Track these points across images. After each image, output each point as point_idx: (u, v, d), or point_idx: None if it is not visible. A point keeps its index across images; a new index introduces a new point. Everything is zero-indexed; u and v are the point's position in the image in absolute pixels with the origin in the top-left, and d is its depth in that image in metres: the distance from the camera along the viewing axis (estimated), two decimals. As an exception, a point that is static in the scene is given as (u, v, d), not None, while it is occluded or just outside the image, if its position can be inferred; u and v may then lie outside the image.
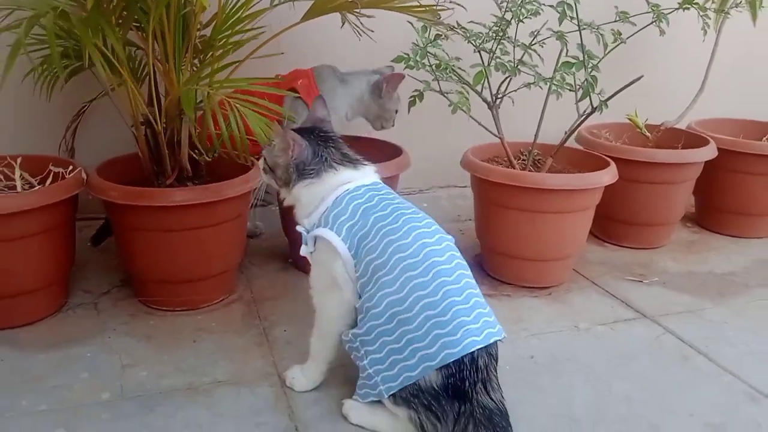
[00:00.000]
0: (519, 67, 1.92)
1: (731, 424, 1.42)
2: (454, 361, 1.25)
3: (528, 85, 1.91)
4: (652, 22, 2.00)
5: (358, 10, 1.82)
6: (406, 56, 1.85)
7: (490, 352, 1.29)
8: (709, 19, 2.15)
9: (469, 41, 1.94)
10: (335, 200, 1.41)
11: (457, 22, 1.95)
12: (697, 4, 1.99)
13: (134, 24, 1.65)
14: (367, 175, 1.47)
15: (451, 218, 2.52)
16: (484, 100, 1.99)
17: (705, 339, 1.75)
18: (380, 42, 1.98)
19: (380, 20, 1.90)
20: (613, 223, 2.33)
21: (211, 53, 1.73)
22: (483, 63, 1.91)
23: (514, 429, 1.27)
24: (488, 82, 1.94)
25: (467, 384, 1.26)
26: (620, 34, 1.97)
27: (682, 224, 2.55)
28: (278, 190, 1.53)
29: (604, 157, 2.07)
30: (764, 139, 2.56)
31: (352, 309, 1.41)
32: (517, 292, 1.99)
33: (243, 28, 1.75)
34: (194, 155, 1.82)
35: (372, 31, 1.93)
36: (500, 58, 1.93)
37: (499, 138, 2.03)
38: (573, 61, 1.89)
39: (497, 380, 1.30)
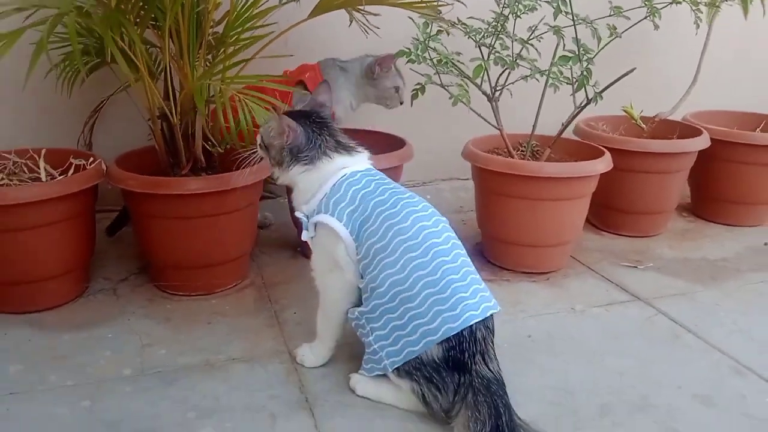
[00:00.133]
0: (517, 61, 2.00)
1: (717, 396, 1.50)
2: (454, 335, 1.34)
3: (525, 77, 2.00)
4: (645, 17, 2.08)
5: (362, 7, 1.90)
6: (407, 51, 1.94)
7: (487, 325, 1.38)
8: (701, 13, 2.23)
9: (468, 36, 2.03)
10: (333, 186, 1.48)
11: (457, 18, 2.04)
12: (688, -2, 2.07)
13: (151, 22, 1.74)
14: (361, 161, 1.54)
15: (454, 209, 2.60)
16: (484, 93, 2.07)
17: (696, 319, 1.83)
18: (383, 37, 2.07)
19: (383, 16, 1.99)
20: (610, 212, 2.41)
21: (223, 50, 1.82)
22: (482, 57, 2.00)
23: (512, 400, 1.35)
24: (488, 75, 2.02)
25: (466, 356, 1.34)
26: (615, 28, 2.05)
27: (677, 213, 2.63)
28: (271, 168, 1.59)
29: (599, 147, 2.15)
30: (758, 129, 2.63)
31: (354, 289, 1.50)
32: (516, 277, 2.08)
33: (253, 25, 1.84)
34: (207, 147, 1.91)
35: (377, 28, 2.01)
36: (499, 53, 2.01)
37: (499, 129, 2.12)
38: (569, 55, 1.97)
39: (494, 352, 1.39)
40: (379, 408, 1.43)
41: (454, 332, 1.33)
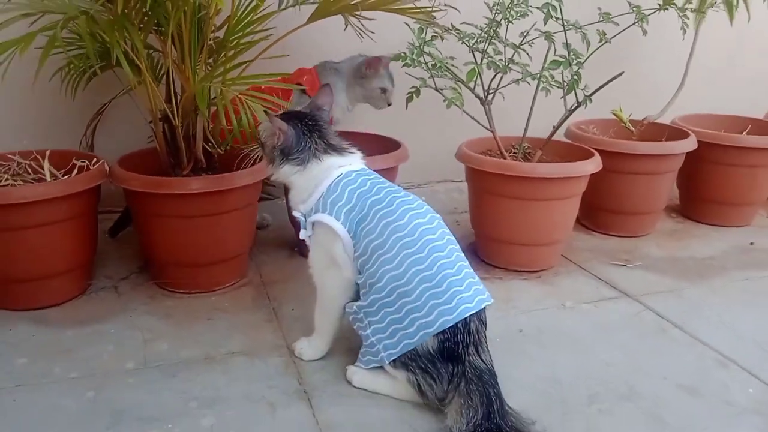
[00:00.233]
0: (509, 65, 2.06)
1: (701, 386, 1.56)
2: (449, 327, 1.39)
3: (517, 81, 2.06)
4: (634, 23, 2.15)
5: (358, 13, 1.96)
6: (403, 55, 2.00)
7: (480, 318, 1.44)
8: (688, 19, 2.29)
9: (462, 41, 2.09)
10: (330, 186, 1.53)
11: (451, 23, 2.10)
12: (674, 4, 2.14)
13: (153, 27, 1.79)
14: (354, 161, 1.59)
15: (448, 210, 2.66)
16: (477, 96, 2.13)
17: (682, 314, 1.89)
18: (380, 42, 2.13)
19: (379, 22, 2.05)
20: (600, 212, 2.47)
21: (223, 53, 1.88)
22: (476, 61, 2.06)
23: (504, 389, 1.40)
24: (481, 79, 2.08)
25: (460, 347, 1.40)
26: (605, 34, 2.12)
27: (666, 214, 2.69)
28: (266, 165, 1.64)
29: (589, 149, 2.21)
30: (744, 132, 2.70)
31: (351, 285, 1.55)
32: (508, 275, 2.13)
33: (253, 30, 1.90)
34: (208, 148, 1.96)
35: (372, 33, 2.07)
36: (492, 57, 2.07)
37: (491, 132, 2.18)
38: (560, 59, 2.04)
39: (486, 343, 1.44)
40: (374, 398, 1.48)
41: (450, 324, 1.39)
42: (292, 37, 1.96)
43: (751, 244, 2.46)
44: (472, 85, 2.07)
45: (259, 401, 1.46)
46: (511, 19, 2.05)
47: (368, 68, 2.22)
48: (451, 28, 2.09)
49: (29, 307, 1.83)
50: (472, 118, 2.13)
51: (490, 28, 2.06)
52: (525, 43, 2.09)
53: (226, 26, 1.89)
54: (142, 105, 1.93)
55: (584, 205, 2.39)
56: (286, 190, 1.93)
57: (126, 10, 1.60)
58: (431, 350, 1.41)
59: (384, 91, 2.26)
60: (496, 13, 2.06)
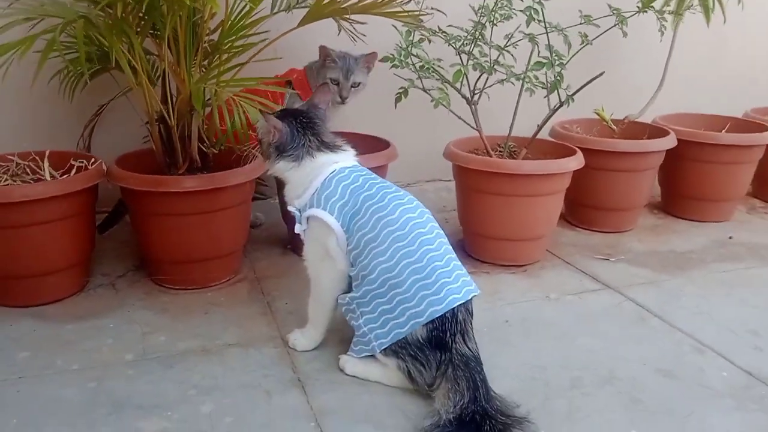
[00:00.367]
0: (494, 66, 2.14)
1: (678, 370, 1.63)
2: (438, 317, 1.46)
3: (502, 81, 2.13)
4: (614, 25, 2.23)
5: (348, 16, 2.03)
6: (391, 57, 2.06)
7: (467, 308, 1.50)
8: (666, 21, 2.38)
9: (449, 43, 2.16)
10: (324, 182, 1.60)
11: (438, 26, 2.17)
12: (652, 7, 2.22)
13: (150, 31, 1.85)
14: (347, 157, 1.65)
15: (437, 209, 2.72)
16: (463, 97, 2.20)
17: (661, 304, 1.97)
18: (369, 44, 2.20)
19: (368, 25, 2.12)
20: (584, 208, 2.55)
21: (218, 56, 1.94)
22: (462, 63, 2.13)
23: (490, 376, 1.47)
24: (467, 80, 2.15)
25: (448, 335, 1.47)
26: (586, 36, 2.19)
27: (648, 210, 2.77)
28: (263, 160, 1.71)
29: (572, 147, 2.29)
30: (723, 131, 2.78)
31: (344, 277, 1.61)
32: (495, 269, 2.20)
33: (246, 33, 1.96)
34: (203, 148, 2.02)
35: (364, 35, 2.14)
36: (477, 59, 2.14)
37: (477, 131, 2.25)
38: (543, 61, 2.11)
39: (473, 332, 1.51)
40: (366, 385, 1.55)
41: (439, 314, 1.46)
42: (285, 40, 2.02)
43: (730, 238, 2.54)
44: (458, 85, 2.14)
45: (255, 389, 1.52)
46: (495, 22, 2.12)
47: (320, 56, 2.26)
48: (437, 30, 2.17)
49: (29, 304, 1.87)
50: (459, 117, 2.20)
51: (476, 30, 2.13)
52: (509, 45, 2.16)
53: (220, 29, 1.95)
54: (138, 106, 1.99)
55: (568, 202, 2.48)
56: (280, 188, 2.00)
57: (124, 14, 1.65)
58: (420, 338, 1.48)
59: (335, 82, 2.26)
60: (481, 16, 2.14)
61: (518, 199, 2.12)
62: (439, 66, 2.14)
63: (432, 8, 2.12)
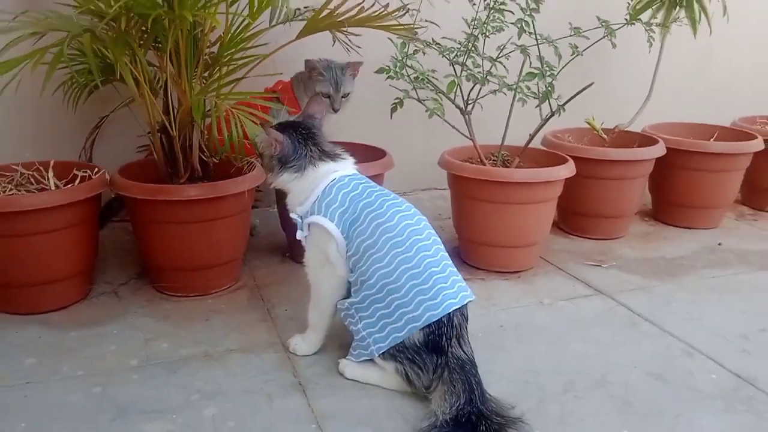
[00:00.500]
0: (487, 77, 2.19)
1: (668, 373, 1.68)
2: (434, 321, 1.50)
3: (494, 92, 2.18)
4: (603, 37, 2.29)
5: (345, 29, 2.09)
6: (387, 68, 2.12)
7: (463, 312, 1.55)
8: (654, 33, 2.44)
9: (442, 55, 2.21)
10: (324, 190, 1.64)
11: (432, 38, 2.23)
12: (640, 20, 2.28)
13: (152, 44, 1.90)
14: (347, 166, 1.70)
15: (432, 216, 2.75)
16: (457, 107, 2.26)
17: (652, 309, 2.02)
18: (365, 56, 2.25)
19: (364, 37, 2.17)
20: (576, 216, 2.61)
21: (217, 68, 1.98)
22: (455, 74, 2.18)
23: (485, 379, 1.52)
24: (460, 90, 2.21)
25: (444, 339, 1.51)
26: (576, 47, 2.25)
27: (639, 218, 2.83)
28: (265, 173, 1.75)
29: (564, 155, 2.34)
30: (712, 139, 2.85)
31: (344, 283, 1.66)
32: (489, 276, 2.25)
33: (245, 46, 2.01)
34: (203, 157, 2.06)
35: (359, 47, 2.20)
36: (470, 70, 2.20)
37: (471, 140, 2.30)
38: (535, 71, 2.17)
39: (468, 336, 1.55)
40: (365, 388, 1.59)
41: (435, 318, 1.50)
42: (282, 52, 2.07)
43: (719, 244, 2.59)
44: (452, 96, 2.19)
45: (257, 393, 1.56)
46: (487, 34, 2.18)
47: (306, 69, 2.31)
48: (431, 42, 2.22)
49: (33, 311, 1.91)
50: (453, 127, 2.25)
51: (469, 42, 2.19)
52: (501, 57, 2.21)
53: (220, 42, 2.00)
54: (141, 117, 2.03)
55: (561, 210, 2.53)
56: (280, 197, 2.05)
57: (127, 28, 1.70)
58: (417, 342, 1.52)
59: (327, 96, 2.31)
60: (473, 28, 2.19)
61: (511, 207, 2.17)
62: (433, 77, 2.19)
63: (426, 21, 2.18)
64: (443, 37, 2.24)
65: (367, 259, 1.57)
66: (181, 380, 1.61)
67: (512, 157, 2.42)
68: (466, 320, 1.56)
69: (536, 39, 2.18)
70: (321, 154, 1.67)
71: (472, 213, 2.25)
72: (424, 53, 2.22)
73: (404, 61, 2.13)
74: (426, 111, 2.12)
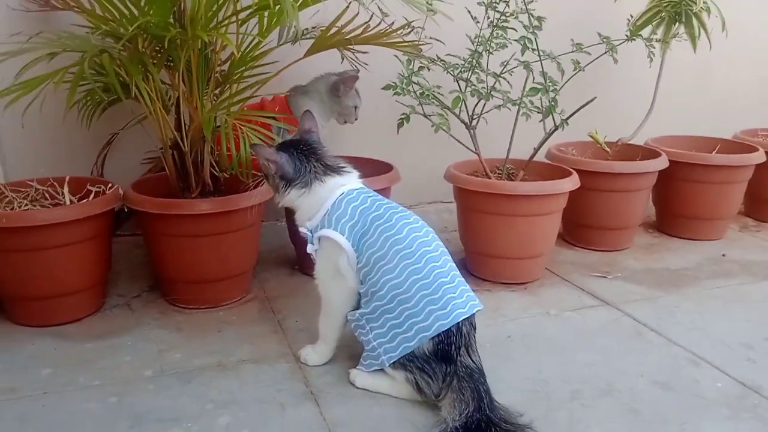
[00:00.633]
0: (491, 92, 2.24)
1: (674, 382, 1.70)
2: (444, 330, 1.53)
3: (499, 107, 2.23)
4: (605, 52, 2.34)
5: (352, 46, 2.14)
6: (393, 85, 2.17)
7: (471, 322, 1.58)
8: (654, 48, 2.49)
9: (447, 71, 2.26)
10: (334, 204, 1.67)
11: (436, 55, 2.28)
12: (640, 35, 2.33)
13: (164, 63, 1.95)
14: (352, 179, 1.73)
15: (438, 229, 2.73)
16: (462, 121, 2.30)
17: (657, 319, 2.04)
18: (371, 72, 2.30)
19: (370, 54, 2.22)
20: (581, 228, 2.64)
21: (228, 86, 2.04)
22: (460, 89, 2.23)
23: (494, 388, 1.55)
24: (465, 105, 2.26)
25: (453, 348, 1.54)
26: (579, 63, 2.30)
27: (644, 230, 2.86)
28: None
29: (568, 168, 2.38)
30: (714, 152, 2.88)
31: (354, 294, 1.69)
32: (496, 287, 2.28)
33: (254, 64, 2.06)
34: (214, 172, 2.11)
35: (366, 64, 2.25)
36: (475, 85, 2.25)
37: (477, 154, 2.35)
38: (538, 87, 2.22)
39: (476, 345, 1.58)
40: (376, 398, 1.62)
41: (445, 328, 1.53)
42: (289, 69, 2.13)
43: (723, 255, 2.62)
44: (457, 111, 2.24)
45: (270, 402, 1.59)
46: (491, 51, 2.23)
47: (345, 86, 2.34)
48: (436, 59, 2.28)
49: (48, 324, 1.94)
50: (459, 141, 2.30)
51: (473, 58, 2.24)
52: (505, 72, 2.26)
53: (230, 61, 2.05)
54: (153, 134, 2.08)
55: (566, 222, 2.57)
56: (289, 212, 2.09)
57: (143, 48, 1.75)
58: (427, 351, 1.55)
59: (356, 108, 2.39)
60: (477, 45, 2.24)
61: (516, 219, 2.20)
62: (438, 93, 2.24)
63: (431, 38, 2.23)
64: (448, 54, 2.29)
65: (378, 270, 1.60)
66: (195, 390, 1.64)
67: (517, 170, 2.46)
68: (474, 329, 1.60)
69: (539, 55, 2.23)
70: (325, 168, 1.70)
71: (477, 225, 2.28)
72: (429, 69, 2.27)
73: (410, 77, 2.18)
74: (432, 126, 2.17)
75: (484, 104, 2.28)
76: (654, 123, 2.78)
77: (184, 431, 1.48)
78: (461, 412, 1.46)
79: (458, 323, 1.54)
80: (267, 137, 1.97)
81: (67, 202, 2.02)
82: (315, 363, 1.76)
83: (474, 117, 2.32)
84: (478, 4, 2.23)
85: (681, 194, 2.76)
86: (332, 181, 1.70)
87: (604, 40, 2.31)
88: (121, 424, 1.50)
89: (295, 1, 1.79)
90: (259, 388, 1.65)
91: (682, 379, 1.72)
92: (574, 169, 2.38)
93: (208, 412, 1.55)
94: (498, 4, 2.20)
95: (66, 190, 2.05)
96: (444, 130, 2.17)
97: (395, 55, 2.22)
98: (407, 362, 1.57)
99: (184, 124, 2.03)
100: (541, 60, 2.23)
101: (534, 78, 2.26)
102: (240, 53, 2.02)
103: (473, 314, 1.58)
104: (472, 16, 2.23)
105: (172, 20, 1.82)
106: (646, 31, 2.59)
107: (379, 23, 2.09)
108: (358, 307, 1.69)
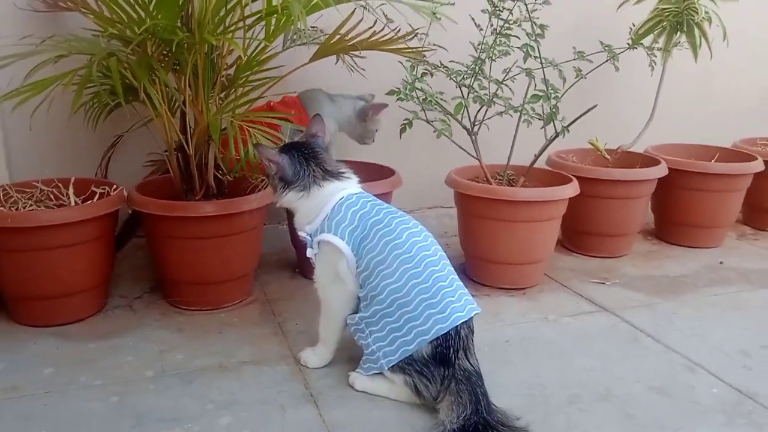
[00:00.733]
0: (493, 99, 2.26)
1: (670, 387, 1.72)
2: (443, 334, 1.55)
3: (500, 113, 2.25)
4: (606, 60, 2.36)
5: (357, 52, 2.16)
6: (397, 90, 2.19)
7: (469, 325, 1.60)
8: (656, 57, 2.51)
9: (450, 78, 2.28)
10: (334, 209, 1.69)
11: (440, 61, 2.30)
12: (642, 44, 2.35)
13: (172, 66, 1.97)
14: (352, 184, 1.75)
15: (439, 234, 2.80)
16: (464, 127, 2.33)
17: (655, 326, 2.06)
18: (376, 78, 2.33)
19: (375, 60, 2.25)
20: (580, 235, 2.66)
21: (234, 89, 2.06)
22: (463, 96, 2.25)
23: (492, 392, 1.56)
24: (467, 111, 2.28)
25: (451, 351, 1.56)
26: (580, 70, 2.32)
27: (643, 237, 2.88)
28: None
29: (568, 175, 2.40)
30: (713, 160, 2.90)
31: (353, 298, 1.71)
32: (495, 292, 2.30)
33: (260, 69, 2.08)
34: (218, 175, 2.13)
35: (363, 69, 2.27)
36: (477, 92, 2.27)
37: (478, 160, 2.37)
38: (539, 94, 2.24)
39: (474, 348, 1.60)
40: (375, 400, 1.63)
41: (444, 332, 1.55)
42: (294, 73, 2.15)
43: (721, 263, 2.64)
44: (459, 117, 2.26)
45: (270, 404, 1.61)
46: (494, 58, 2.25)
47: (374, 113, 2.43)
48: (440, 65, 2.30)
49: (51, 324, 1.96)
50: (460, 147, 2.32)
51: (476, 65, 2.26)
52: (507, 79, 2.28)
53: (236, 65, 2.07)
54: (158, 136, 2.10)
55: (566, 229, 2.59)
56: (290, 215, 2.10)
57: (151, 52, 1.78)
58: (425, 355, 1.57)
59: (376, 130, 2.50)
60: (480, 52, 2.26)
61: (516, 225, 2.22)
62: (441, 99, 2.26)
63: (434, 44, 2.25)
64: (451, 61, 2.31)
65: (377, 275, 1.62)
66: (196, 390, 1.66)
67: (518, 176, 2.47)
68: (473, 332, 1.61)
69: (541, 63, 2.25)
70: (324, 173, 1.72)
71: (478, 230, 2.30)
72: (432, 76, 2.29)
73: (414, 83, 2.20)
74: (434, 131, 2.19)
75: (486, 111, 2.30)
76: (654, 131, 2.81)
77: (185, 431, 1.49)
78: (459, 415, 1.47)
79: (457, 327, 1.56)
80: (275, 137, 1.99)
81: (72, 203, 2.04)
82: (315, 365, 1.77)
83: (476, 123, 2.34)
84: (482, 11, 2.25)
85: (680, 202, 2.78)
86: (331, 186, 1.71)
87: (606, 48, 2.33)
88: (123, 424, 1.52)
89: (304, 7, 1.81)
90: (260, 390, 1.67)
91: (679, 385, 1.74)
92: (574, 175, 2.41)
93: (209, 412, 1.57)
94: (501, 12, 2.22)
95: (71, 191, 2.07)
96: (446, 136, 2.19)
97: (399, 62, 2.24)
98: (406, 365, 1.59)
99: (189, 127, 2.05)
100: (543, 67, 2.25)
101: (536, 85, 2.28)
102: (246, 57, 2.04)
103: (471, 318, 1.60)
104: (475, 23, 2.26)
105: (179, 24, 1.85)
106: (647, 40, 2.62)
107: (383, 28, 2.11)
108: (357, 310, 1.71)
